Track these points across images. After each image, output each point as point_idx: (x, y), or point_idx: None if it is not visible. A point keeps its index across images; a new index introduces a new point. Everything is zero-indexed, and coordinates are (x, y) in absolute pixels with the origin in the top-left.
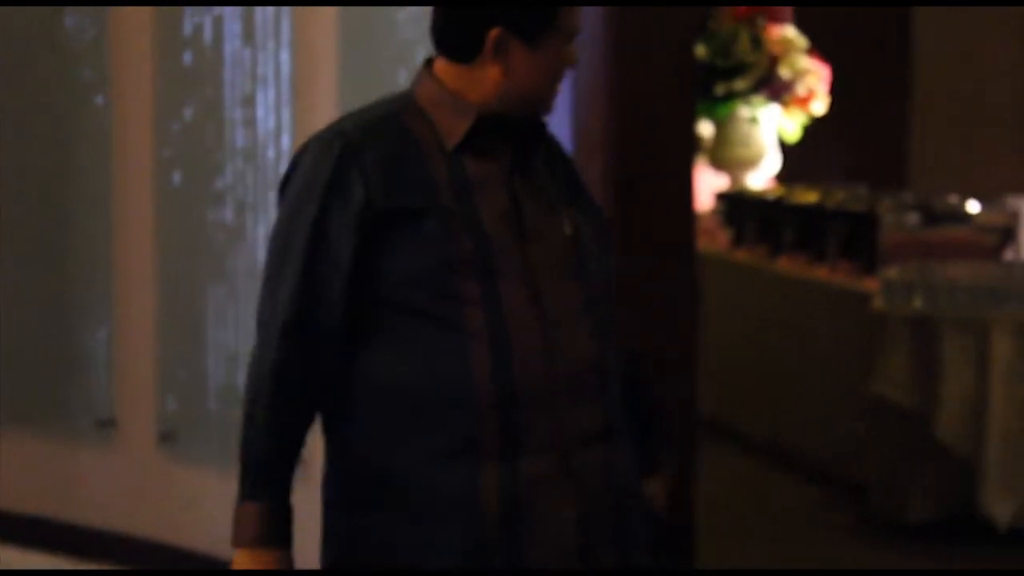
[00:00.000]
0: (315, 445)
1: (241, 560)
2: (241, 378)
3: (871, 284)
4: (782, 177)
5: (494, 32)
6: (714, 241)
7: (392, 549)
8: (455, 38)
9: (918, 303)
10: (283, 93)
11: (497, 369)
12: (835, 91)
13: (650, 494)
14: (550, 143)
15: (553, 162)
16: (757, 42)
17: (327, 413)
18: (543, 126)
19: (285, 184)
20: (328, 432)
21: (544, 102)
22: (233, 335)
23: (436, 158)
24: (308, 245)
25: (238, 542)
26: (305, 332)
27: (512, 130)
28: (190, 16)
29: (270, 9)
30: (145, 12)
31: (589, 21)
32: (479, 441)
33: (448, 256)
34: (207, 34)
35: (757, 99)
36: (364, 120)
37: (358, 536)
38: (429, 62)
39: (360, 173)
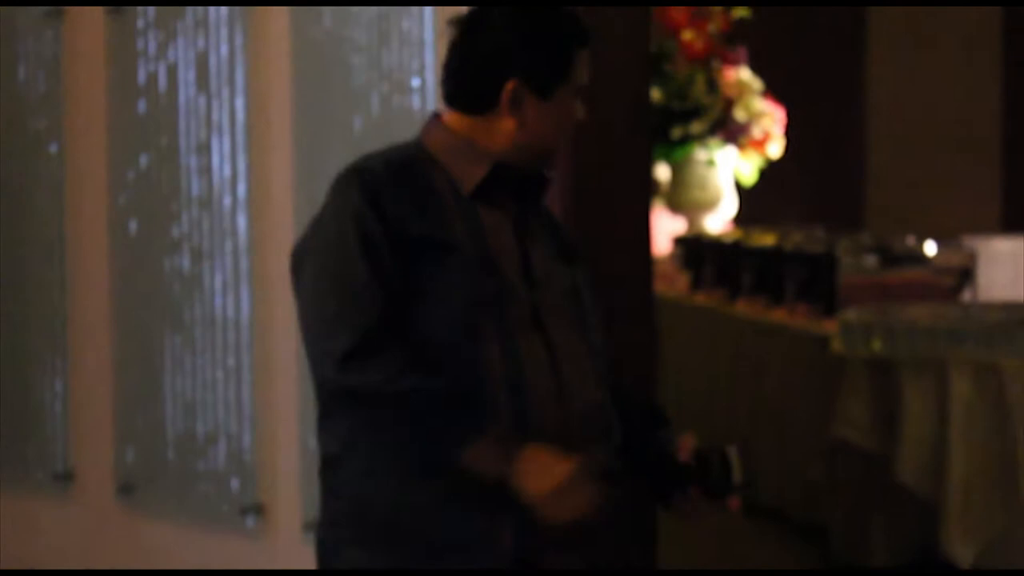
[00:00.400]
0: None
1: (524, 464)
2: (200, 428)
3: (830, 326)
4: (739, 220)
5: (510, 84)
6: (672, 285)
7: None
8: (470, 89)
9: (877, 345)
10: (238, 140)
11: (513, 408)
12: (790, 133)
13: (664, 438)
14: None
15: (547, 218)
16: (712, 85)
17: (333, 456)
18: (547, 180)
19: (316, 228)
20: (336, 473)
21: (552, 155)
22: (191, 384)
23: (451, 203)
24: (357, 265)
25: (504, 466)
26: (375, 336)
27: (520, 181)
28: (144, 64)
29: (224, 56)
30: (99, 61)
31: None
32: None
33: (469, 296)
34: (161, 82)
35: (713, 142)
36: (385, 158)
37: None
38: (437, 115)
39: (385, 202)
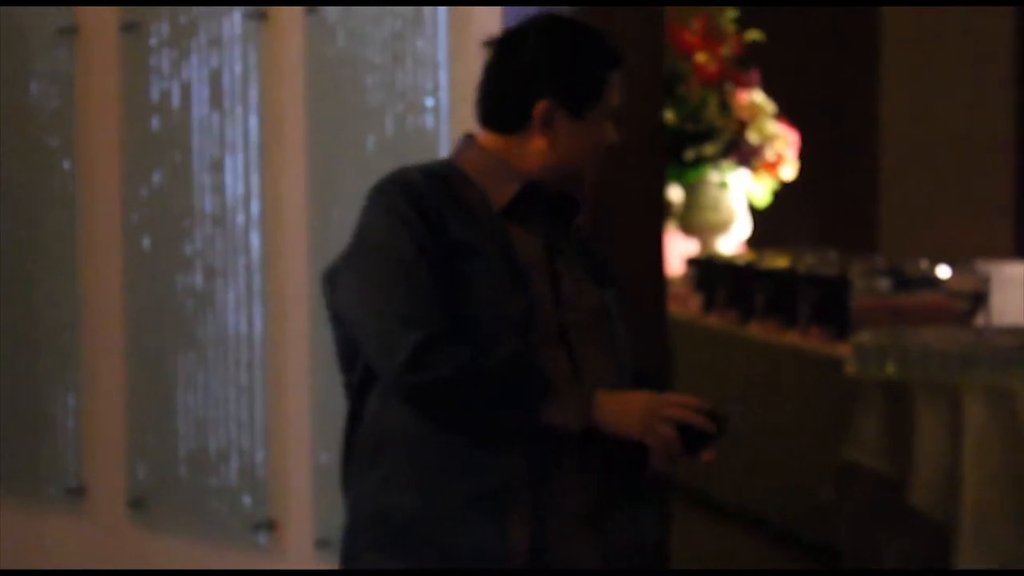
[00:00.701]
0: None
1: (605, 420)
2: (212, 444)
3: (843, 349)
4: (752, 242)
5: (542, 104)
6: (685, 306)
7: None
8: (503, 108)
9: (890, 368)
10: (252, 158)
11: None
12: (804, 156)
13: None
14: (579, 224)
15: (582, 240)
16: (726, 107)
17: (352, 463)
18: (579, 202)
19: (362, 235)
20: (354, 481)
21: (583, 176)
22: (203, 400)
23: (482, 219)
24: (419, 265)
25: (583, 421)
26: (449, 330)
27: (551, 202)
28: (157, 82)
29: (238, 74)
30: (112, 78)
31: None
32: (508, 491)
33: (496, 309)
34: (175, 99)
35: (726, 164)
36: (420, 170)
37: None
38: (470, 136)
39: (427, 207)
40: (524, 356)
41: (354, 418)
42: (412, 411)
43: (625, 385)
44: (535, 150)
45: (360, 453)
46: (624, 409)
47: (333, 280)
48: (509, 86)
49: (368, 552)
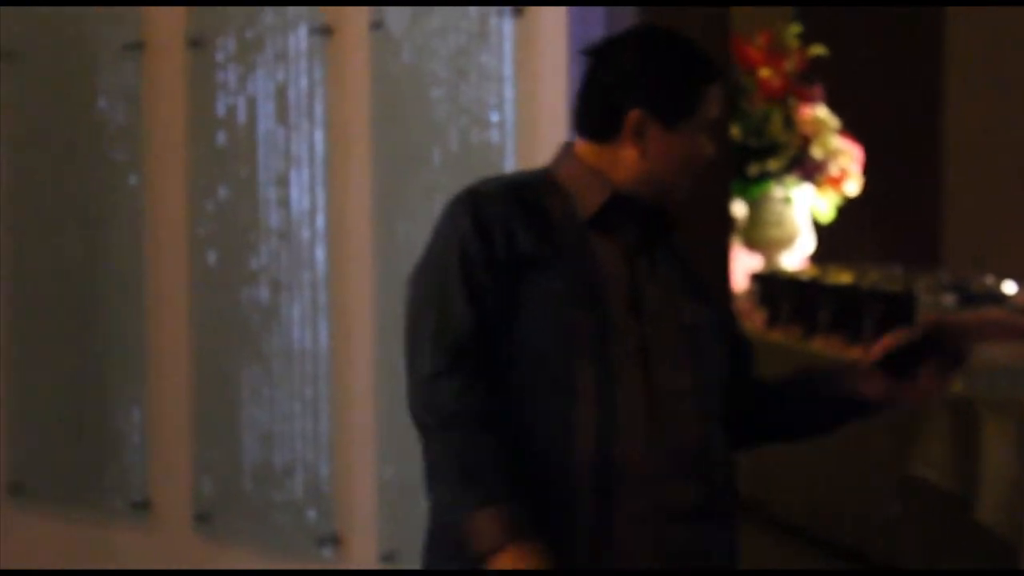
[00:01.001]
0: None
1: (503, 561)
2: (277, 458)
3: None
4: (816, 257)
5: (634, 114)
6: (749, 322)
7: None
8: (596, 118)
9: (957, 385)
10: (317, 173)
11: (600, 438)
12: (868, 171)
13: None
14: (676, 237)
15: (682, 254)
16: (789, 123)
17: (426, 480)
18: (671, 214)
19: (428, 250)
20: (431, 493)
21: (675, 189)
22: (268, 415)
23: (564, 229)
24: (455, 287)
25: (490, 547)
26: (457, 363)
27: (642, 213)
28: (224, 97)
29: (304, 89)
30: (179, 93)
31: None
32: (573, 508)
33: (568, 322)
34: (241, 114)
35: (790, 179)
36: (499, 182)
37: None
38: (570, 144)
39: (493, 225)
40: (511, 449)
41: None
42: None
43: (709, 404)
44: (626, 160)
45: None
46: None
47: (409, 287)
48: (603, 95)
49: (440, 563)
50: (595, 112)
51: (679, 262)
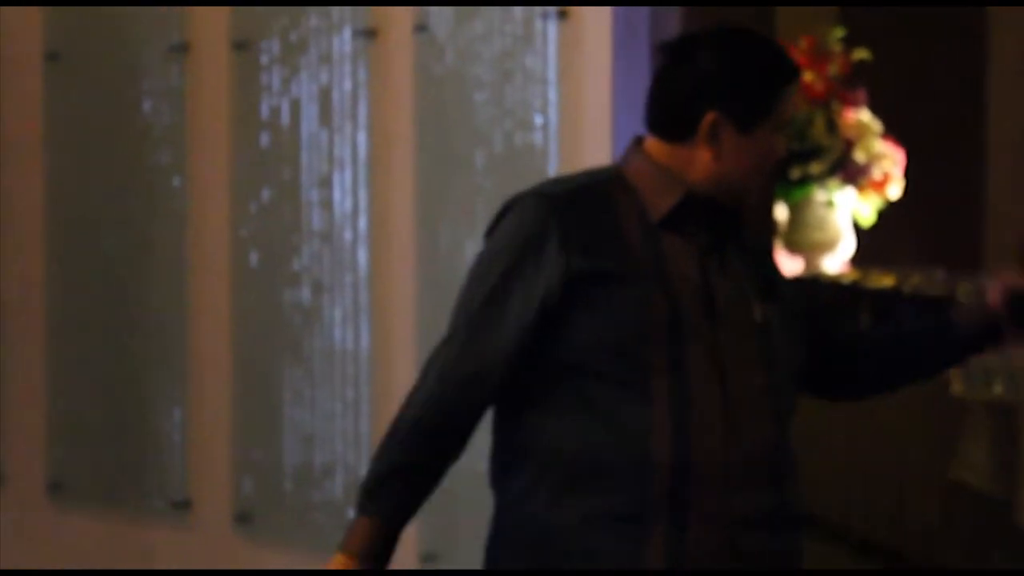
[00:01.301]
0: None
1: (336, 562)
2: (318, 458)
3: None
4: (857, 261)
5: (709, 116)
6: None
7: None
8: (669, 118)
9: (998, 389)
10: (360, 175)
11: (676, 441)
12: (910, 175)
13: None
14: (753, 235)
15: (752, 252)
16: (832, 126)
17: (495, 472)
18: (743, 214)
19: (487, 239)
20: (495, 491)
21: (749, 190)
22: (309, 416)
23: (635, 230)
24: (490, 297)
25: (343, 547)
26: (460, 381)
27: (714, 213)
28: (267, 99)
29: (347, 91)
30: (222, 95)
31: None
32: (647, 511)
33: (640, 324)
34: (284, 116)
35: (832, 183)
36: (568, 184)
37: None
38: (639, 140)
39: (559, 233)
40: (409, 464)
41: (499, 427)
42: (555, 423)
43: (781, 405)
44: (700, 161)
45: (504, 463)
46: None
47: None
48: (677, 95)
49: (505, 561)
50: (669, 112)
51: (749, 261)
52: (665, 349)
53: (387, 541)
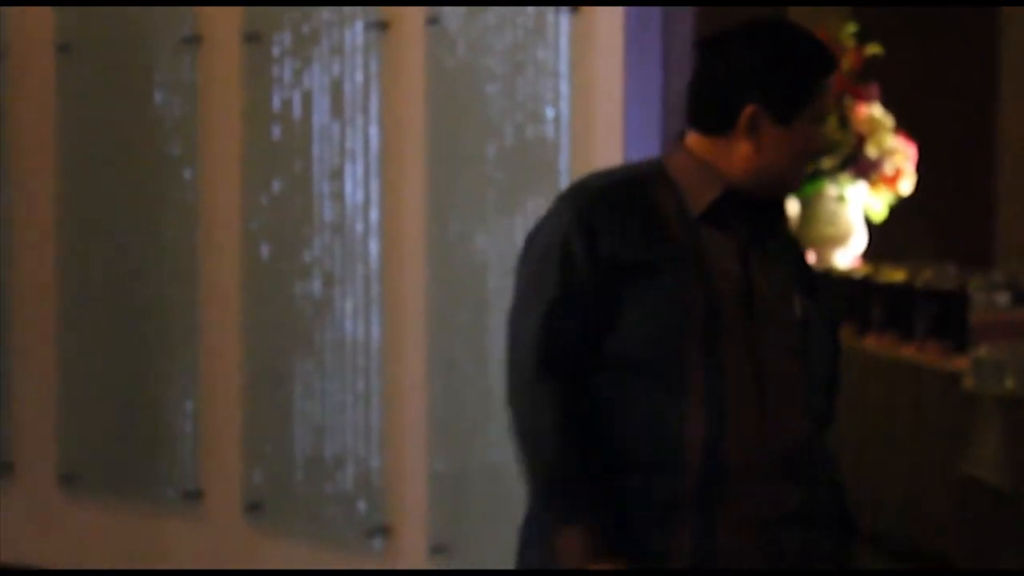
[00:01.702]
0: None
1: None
2: (328, 450)
3: (960, 363)
4: (869, 255)
5: (748, 109)
6: None
7: None
8: (709, 111)
9: (1010, 383)
10: (371, 167)
11: (710, 434)
12: (921, 170)
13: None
14: (787, 229)
15: (788, 247)
16: (844, 121)
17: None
18: (783, 207)
19: (530, 242)
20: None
21: (789, 182)
22: (320, 406)
23: (674, 224)
24: (556, 287)
25: (574, 566)
26: (556, 367)
27: (753, 207)
28: (279, 91)
29: (359, 83)
30: (234, 87)
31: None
32: (678, 502)
33: (678, 316)
34: (296, 108)
35: (844, 177)
36: (609, 179)
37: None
38: (681, 134)
39: (598, 224)
40: (588, 468)
41: None
42: (593, 413)
43: (816, 402)
44: (740, 154)
45: None
46: None
47: (516, 273)
48: (716, 89)
49: (531, 548)
50: (708, 106)
51: (788, 256)
52: (702, 343)
53: (611, 535)
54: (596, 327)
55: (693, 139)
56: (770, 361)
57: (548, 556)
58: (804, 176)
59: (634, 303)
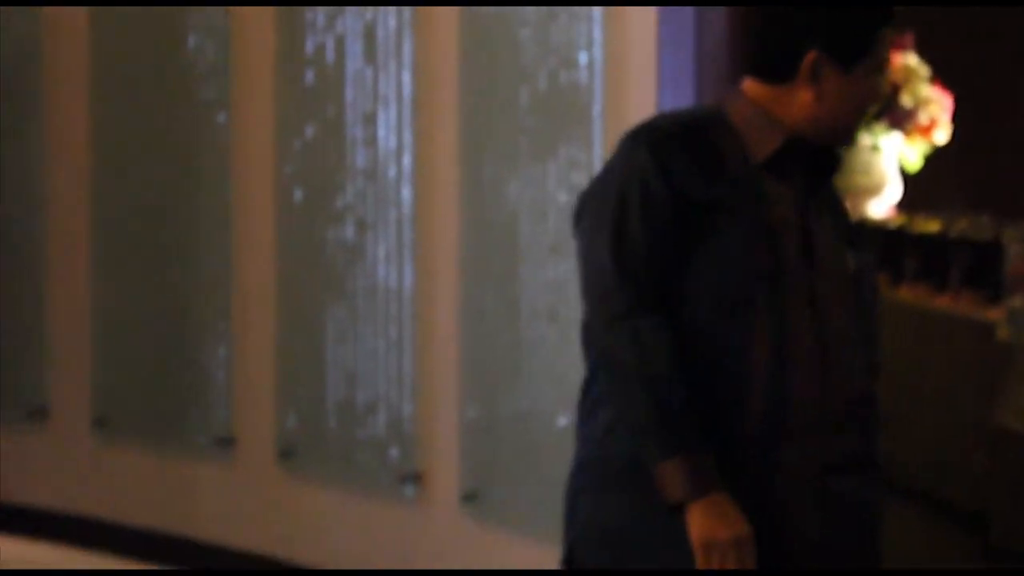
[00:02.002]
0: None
1: (693, 513)
2: (360, 396)
3: (995, 314)
4: (903, 206)
5: (810, 55)
6: None
7: (630, 536)
8: (770, 59)
9: None
10: (404, 113)
11: (773, 381)
12: (957, 120)
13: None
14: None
15: (835, 199)
16: None
17: (585, 405)
18: (839, 158)
19: (601, 181)
20: (584, 423)
21: (849, 132)
22: (352, 353)
23: (738, 171)
24: (637, 220)
25: (680, 498)
26: (648, 302)
27: (811, 156)
28: (312, 36)
29: (392, 29)
30: (267, 32)
31: (714, 58)
32: (739, 446)
33: (744, 260)
34: (329, 54)
35: (879, 127)
36: (677, 119)
37: (599, 520)
38: (739, 82)
39: (672, 163)
40: (695, 399)
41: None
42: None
43: (869, 354)
44: (801, 103)
45: (591, 398)
46: (715, 524)
47: (579, 217)
48: (778, 36)
49: (585, 493)
50: (770, 53)
51: (836, 206)
52: (767, 289)
53: (710, 466)
54: (676, 263)
55: (752, 86)
56: (829, 312)
57: (604, 503)
58: (862, 126)
59: (704, 242)
